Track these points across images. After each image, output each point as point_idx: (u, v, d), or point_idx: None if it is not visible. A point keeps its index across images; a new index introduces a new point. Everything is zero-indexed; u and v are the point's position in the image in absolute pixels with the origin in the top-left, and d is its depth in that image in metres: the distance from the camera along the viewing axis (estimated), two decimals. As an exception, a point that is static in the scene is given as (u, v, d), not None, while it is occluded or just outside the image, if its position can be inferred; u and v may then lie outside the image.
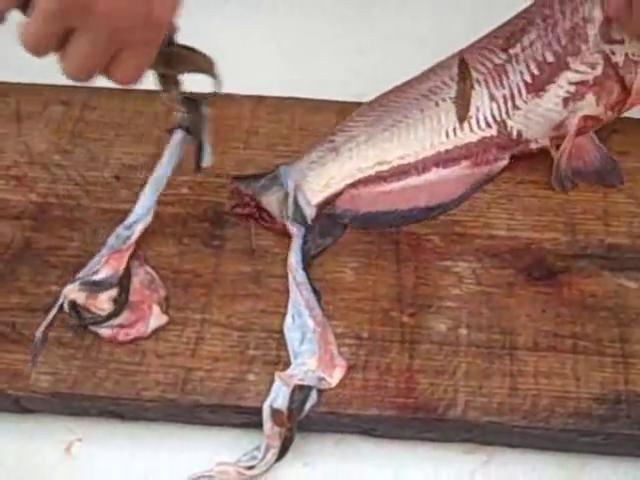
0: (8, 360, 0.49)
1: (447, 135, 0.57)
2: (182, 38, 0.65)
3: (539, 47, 0.58)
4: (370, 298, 0.52)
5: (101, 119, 0.62)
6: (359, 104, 0.61)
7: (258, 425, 0.47)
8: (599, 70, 0.57)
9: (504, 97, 0.58)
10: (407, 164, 0.57)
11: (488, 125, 0.58)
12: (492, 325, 0.51)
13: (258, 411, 0.47)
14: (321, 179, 0.56)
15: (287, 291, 0.52)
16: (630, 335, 0.51)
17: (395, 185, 0.57)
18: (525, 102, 0.58)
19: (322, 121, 0.61)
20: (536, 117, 0.58)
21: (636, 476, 0.47)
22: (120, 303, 0.50)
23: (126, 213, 0.54)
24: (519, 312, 0.52)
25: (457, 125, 0.58)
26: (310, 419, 0.47)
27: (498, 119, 0.58)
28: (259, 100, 0.63)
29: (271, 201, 0.55)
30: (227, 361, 0.49)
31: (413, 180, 0.57)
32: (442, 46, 0.61)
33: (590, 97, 0.58)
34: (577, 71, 0.57)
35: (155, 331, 0.50)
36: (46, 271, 0.53)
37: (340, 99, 0.63)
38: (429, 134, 0.57)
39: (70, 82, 0.63)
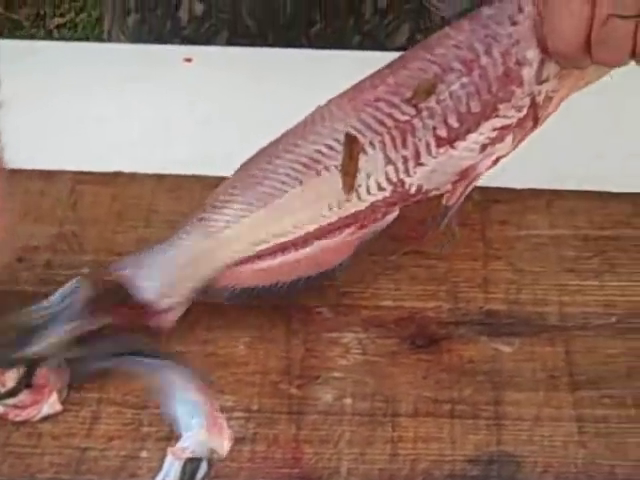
0: None
1: (330, 208, 0.53)
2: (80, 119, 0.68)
3: (462, 97, 0.53)
4: (260, 371, 0.55)
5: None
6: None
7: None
8: (524, 112, 0.54)
9: (404, 158, 0.53)
10: (286, 241, 0.54)
11: (381, 189, 0.54)
12: (375, 393, 0.54)
13: (150, 487, 0.49)
14: (195, 265, 0.53)
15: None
16: (503, 397, 0.54)
17: (273, 261, 0.54)
18: (434, 157, 0.53)
19: (220, 198, 0.65)
20: (444, 169, 0.54)
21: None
22: (22, 383, 0.52)
23: (27, 294, 0.56)
24: (402, 380, 0.55)
25: (342, 197, 0.53)
26: (200, 492, 0.49)
27: (394, 180, 0.54)
28: (159, 179, 0.66)
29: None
30: (121, 439, 0.51)
31: (293, 255, 0.54)
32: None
33: (509, 139, 0.55)
34: (505, 116, 0.54)
35: (52, 413, 0.52)
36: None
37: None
38: (310, 209, 0.53)
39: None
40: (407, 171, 0.53)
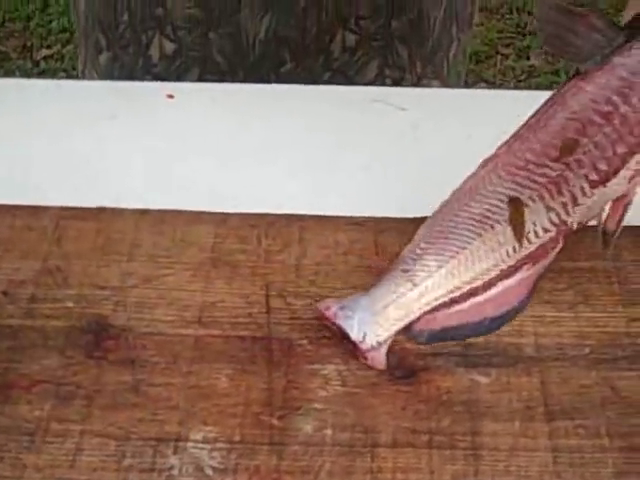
0: None
1: (508, 254, 0.59)
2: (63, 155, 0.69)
3: (607, 144, 0.57)
4: (242, 403, 0.56)
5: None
6: (240, 215, 0.66)
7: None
8: None
9: (563, 204, 0.59)
10: (476, 287, 0.59)
11: (546, 231, 0.59)
12: (355, 424, 0.55)
13: (133, 518, 0.50)
14: (400, 311, 0.58)
15: (166, 399, 0.56)
16: (481, 428, 0.55)
17: (464, 305, 0.59)
18: (589, 197, 0.58)
19: (202, 231, 0.66)
20: (599, 203, 0.59)
21: None
22: None
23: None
24: (381, 411, 0.56)
25: (516, 244, 0.59)
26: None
27: (557, 222, 0.59)
28: (142, 213, 0.67)
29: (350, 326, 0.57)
30: (104, 471, 0.52)
31: (480, 297, 0.59)
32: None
33: None
34: None
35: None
36: None
37: (220, 210, 0.67)
38: (491, 257, 0.59)
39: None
40: (567, 213, 0.59)
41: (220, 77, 0.85)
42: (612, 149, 0.57)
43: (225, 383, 0.57)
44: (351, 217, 0.67)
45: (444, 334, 0.59)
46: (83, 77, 0.92)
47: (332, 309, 0.58)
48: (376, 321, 0.58)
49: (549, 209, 0.58)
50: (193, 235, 0.66)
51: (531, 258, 0.60)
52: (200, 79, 0.85)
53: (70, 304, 0.61)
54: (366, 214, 0.67)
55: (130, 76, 0.87)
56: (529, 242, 0.59)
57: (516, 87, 2.28)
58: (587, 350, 0.60)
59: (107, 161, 0.72)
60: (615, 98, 0.57)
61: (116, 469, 0.52)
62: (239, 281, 0.63)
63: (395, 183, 0.70)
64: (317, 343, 0.59)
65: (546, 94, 0.60)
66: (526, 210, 0.58)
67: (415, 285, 0.58)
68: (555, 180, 0.58)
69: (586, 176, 0.58)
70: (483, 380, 0.58)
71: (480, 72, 2.33)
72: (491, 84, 2.28)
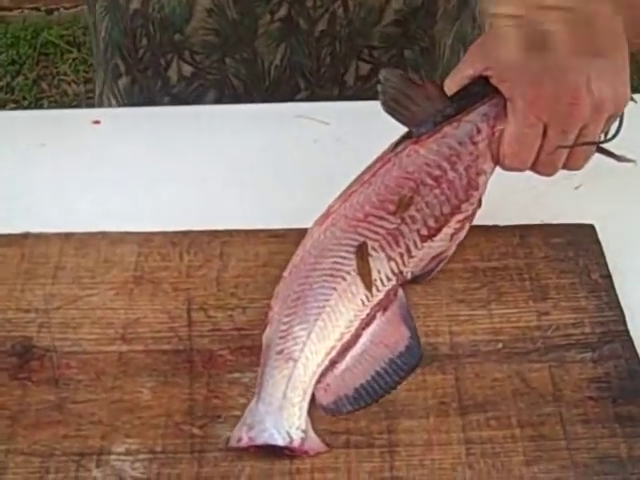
0: None
1: (363, 303, 0.62)
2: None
3: (436, 204, 0.64)
4: (164, 414, 0.57)
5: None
6: (165, 233, 0.68)
7: None
8: (475, 205, 0.66)
9: (400, 254, 0.64)
10: (347, 342, 0.61)
11: (389, 280, 0.64)
12: (275, 428, 0.57)
13: (56, 532, 0.51)
14: (297, 391, 0.58)
15: (90, 414, 0.57)
16: (396, 426, 0.57)
17: (344, 362, 0.60)
18: (419, 250, 0.64)
19: (126, 251, 0.67)
20: (427, 256, 0.65)
21: None
22: None
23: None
24: (300, 413, 0.58)
25: (367, 293, 0.62)
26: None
27: (396, 271, 0.64)
28: (67, 237, 0.68)
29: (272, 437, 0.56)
30: (28, 487, 0.53)
31: (357, 350, 0.61)
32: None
33: (467, 225, 0.66)
34: (466, 211, 0.65)
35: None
36: None
37: (146, 229, 0.69)
38: (350, 308, 0.62)
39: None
40: (404, 263, 0.64)
41: (236, 100, 0.87)
42: (440, 209, 0.64)
43: (148, 396, 0.58)
44: (271, 230, 0.69)
45: (352, 398, 0.59)
46: (100, 104, 0.93)
47: (243, 438, 0.55)
48: (287, 415, 0.56)
49: (389, 259, 0.64)
50: (117, 255, 0.67)
51: (381, 306, 0.63)
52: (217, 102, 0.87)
53: (-5, 329, 0.62)
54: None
55: (149, 99, 0.88)
56: (377, 290, 0.63)
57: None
58: (500, 345, 0.62)
59: (35, 187, 0.74)
60: (445, 164, 0.65)
61: (38, 483, 0.53)
62: (161, 297, 0.64)
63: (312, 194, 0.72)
64: (237, 353, 0.61)
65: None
66: (370, 259, 0.63)
67: (295, 360, 0.59)
68: (393, 232, 0.64)
69: (418, 231, 0.64)
70: (399, 379, 0.60)
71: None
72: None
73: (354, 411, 0.58)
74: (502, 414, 0.58)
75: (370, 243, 0.63)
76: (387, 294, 0.63)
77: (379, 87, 0.64)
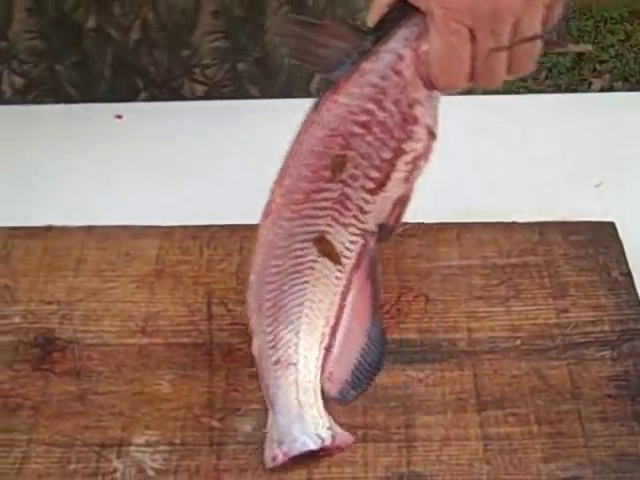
0: None
1: (338, 278, 0.60)
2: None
3: (373, 152, 0.57)
4: (183, 407, 0.58)
5: None
6: (186, 227, 0.69)
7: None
8: (426, 142, 0.58)
9: (355, 216, 0.59)
10: (333, 322, 0.60)
11: (354, 243, 0.60)
12: (291, 421, 0.57)
13: (77, 521, 0.52)
14: (309, 392, 0.57)
15: (110, 406, 0.58)
16: (414, 421, 0.57)
17: (339, 344, 0.60)
18: (373, 204, 0.59)
19: (147, 245, 0.68)
20: (384, 204, 0.59)
21: None
22: None
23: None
24: (318, 407, 0.58)
25: (339, 266, 0.60)
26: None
27: (357, 232, 0.60)
28: (89, 230, 0.69)
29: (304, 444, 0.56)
30: (50, 477, 0.54)
31: (344, 328, 0.60)
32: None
33: (422, 163, 0.59)
34: (413, 150, 0.58)
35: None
36: None
37: (167, 224, 0.69)
38: (328, 290, 0.60)
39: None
40: (361, 222, 0.60)
41: None
42: (378, 156, 0.57)
43: (167, 388, 0.59)
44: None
45: (355, 378, 0.59)
46: None
47: (278, 455, 0.55)
48: (308, 419, 0.56)
49: (346, 225, 0.59)
50: (138, 249, 0.68)
51: (356, 267, 0.60)
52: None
53: (18, 320, 0.63)
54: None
55: None
56: (347, 258, 0.60)
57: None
58: (518, 342, 0.62)
59: (57, 179, 0.75)
60: (370, 106, 0.56)
61: (61, 475, 0.54)
62: (181, 291, 0.65)
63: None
64: (257, 347, 0.61)
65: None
66: (329, 237, 0.59)
67: (295, 364, 0.58)
68: (339, 199, 0.58)
69: (363, 187, 0.58)
70: (418, 375, 0.60)
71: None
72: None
73: (358, 396, 0.58)
74: (520, 411, 0.58)
75: (321, 222, 0.59)
76: (358, 254, 0.60)
77: (276, 41, 0.59)
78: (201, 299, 0.64)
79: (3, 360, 0.60)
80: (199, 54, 0.84)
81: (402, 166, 0.58)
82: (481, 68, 0.56)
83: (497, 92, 0.69)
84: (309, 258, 0.60)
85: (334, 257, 0.60)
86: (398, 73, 0.56)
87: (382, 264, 0.66)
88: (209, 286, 0.65)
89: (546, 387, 0.59)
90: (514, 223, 0.70)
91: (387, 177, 0.58)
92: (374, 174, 0.58)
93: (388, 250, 0.68)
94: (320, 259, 0.59)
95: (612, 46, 2.37)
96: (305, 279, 0.60)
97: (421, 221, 0.69)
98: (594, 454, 0.56)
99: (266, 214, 0.59)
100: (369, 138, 0.57)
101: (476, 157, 0.76)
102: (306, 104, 0.82)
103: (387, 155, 0.58)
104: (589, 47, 0.62)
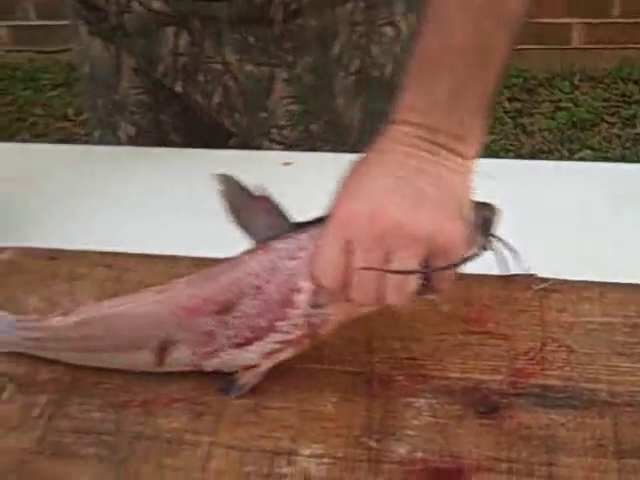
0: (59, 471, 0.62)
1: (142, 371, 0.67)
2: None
3: (252, 315, 0.65)
4: (345, 426, 0.65)
5: (136, 279, 0.76)
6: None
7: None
8: (302, 331, 0.65)
9: (206, 353, 0.66)
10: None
11: (185, 364, 0.67)
12: (443, 450, 0.63)
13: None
14: None
15: (280, 419, 0.65)
16: (557, 460, 0.62)
17: None
18: (228, 354, 0.66)
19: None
20: (233, 362, 0.66)
21: None
22: None
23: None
24: (466, 440, 0.64)
25: (153, 366, 0.67)
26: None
27: (196, 363, 0.67)
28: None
29: None
30: (229, 475, 0.61)
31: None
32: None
33: (289, 350, 0.66)
34: (285, 332, 0.65)
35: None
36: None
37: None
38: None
39: (111, 248, 0.79)
40: (205, 359, 0.66)
41: None
42: (256, 320, 0.65)
43: (331, 409, 0.66)
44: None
45: None
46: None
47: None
48: None
49: (193, 353, 0.66)
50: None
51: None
52: None
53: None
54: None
55: None
56: (169, 366, 0.67)
57: (622, 155, 2.32)
58: (658, 398, 0.66)
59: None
60: (264, 275, 0.65)
61: (238, 474, 0.61)
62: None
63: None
64: (412, 380, 0.68)
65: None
66: (173, 347, 0.66)
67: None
68: (206, 333, 0.65)
69: (229, 338, 0.65)
70: (561, 419, 0.65)
71: (585, 139, 2.38)
72: (596, 150, 2.33)
73: None
74: (657, 461, 0.62)
75: (180, 334, 0.66)
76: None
77: (220, 193, 0.65)
78: (360, 334, 0.71)
79: (192, 371, 0.69)
80: (275, 116, 0.93)
81: (270, 341, 0.65)
82: (355, 282, 0.62)
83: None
84: (148, 344, 0.66)
85: (159, 359, 0.66)
86: (293, 259, 0.65)
87: (527, 315, 0.72)
88: (370, 324, 0.72)
89: (683, 441, 0.63)
90: (651, 285, 0.75)
91: (254, 341, 0.65)
92: (247, 332, 0.65)
93: (534, 302, 0.73)
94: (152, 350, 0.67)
95: None
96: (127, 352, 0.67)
97: (565, 278, 0.75)
98: None
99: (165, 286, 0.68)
100: (255, 302, 0.65)
101: (618, 222, 0.82)
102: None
103: (262, 323, 0.65)
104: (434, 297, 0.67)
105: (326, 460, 0.62)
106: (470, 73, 0.63)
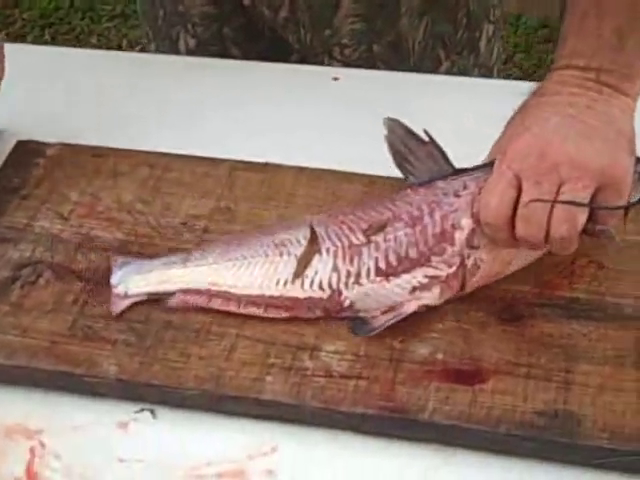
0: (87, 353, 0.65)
1: (277, 283, 0.65)
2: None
3: (404, 243, 0.65)
4: (369, 326, 0.66)
5: (176, 179, 0.78)
6: (386, 178, 0.76)
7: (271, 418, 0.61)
8: (453, 269, 0.65)
9: (348, 272, 0.65)
10: (233, 294, 0.66)
11: (321, 288, 0.65)
12: (464, 353, 0.64)
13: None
14: (162, 277, 0.67)
15: (300, 323, 0.66)
16: (575, 368, 0.63)
17: (219, 304, 0.66)
18: (370, 282, 0.65)
19: (351, 189, 0.77)
20: (376, 296, 0.65)
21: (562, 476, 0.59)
22: None
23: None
24: (487, 344, 0.65)
25: (290, 278, 0.65)
26: (308, 413, 0.61)
27: (334, 287, 0.65)
28: (300, 170, 0.78)
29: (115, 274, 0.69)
30: (252, 366, 0.63)
31: (233, 307, 0.66)
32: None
33: (436, 290, 0.65)
34: (436, 268, 0.65)
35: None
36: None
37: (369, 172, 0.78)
38: (262, 276, 0.66)
39: (155, 148, 0.80)
40: (346, 284, 0.65)
41: None
42: (406, 250, 0.65)
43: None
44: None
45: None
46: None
47: (117, 260, 0.69)
48: (135, 277, 0.67)
49: (335, 269, 0.65)
50: (343, 191, 0.76)
51: (293, 305, 0.65)
52: None
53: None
54: None
55: None
56: (302, 287, 0.64)
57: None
58: (684, 315, 0.66)
59: (275, 127, 0.85)
60: (424, 207, 0.66)
61: (262, 364, 0.63)
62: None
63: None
64: (438, 286, 0.69)
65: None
66: (317, 257, 0.65)
67: (185, 265, 0.67)
68: (353, 247, 0.65)
69: (376, 260, 0.64)
70: (583, 330, 0.66)
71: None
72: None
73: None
74: (676, 374, 0.62)
75: (328, 244, 0.66)
76: (308, 304, 0.65)
77: (386, 137, 0.68)
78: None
79: (220, 268, 0.71)
80: (339, 34, 0.93)
81: (419, 275, 0.65)
82: (520, 214, 0.63)
83: None
84: (290, 249, 0.67)
85: (299, 268, 0.65)
86: (457, 196, 0.66)
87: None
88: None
89: None
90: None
91: (400, 272, 0.65)
92: (392, 260, 0.65)
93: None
94: (292, 257, 0.66)
95: None
96: (269, 253, 0.67)
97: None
98: None
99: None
100: (408, 230, 0.66)
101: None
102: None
103: (413, 254, 0.65)
104: (612, 236, 0.66)
105: (348, 357, 0.64)
106: (633, 15, 0.65)
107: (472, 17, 0.95)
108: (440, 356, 0.64)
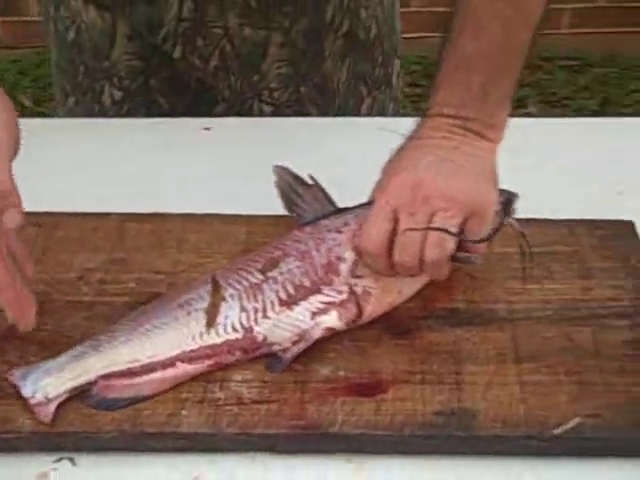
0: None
1: (193, 338, 0.69)
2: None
3: (297, 274, 0.72)
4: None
5: (66, 235, 0.80)
6: (268, 216, 0.81)
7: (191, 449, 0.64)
8: (345, 296, 0.71)
9: (255, 309, 0.70)
10: (156, 362, 0.68)
11: (235, 330, 0.69)
12: (363, 368, 0.69)
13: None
14: (76, 371, 0.66)
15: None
16: (463, 369, 0.69)
17: (143, 378, 0.67)
18: (276, 313, 0.70)
19: (235, 230, 0.81)
20: (284, 325, 0.70)
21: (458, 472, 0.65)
22: None
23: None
24: (383, 358, 0.70)
25: (204, 330, 0.69)
26: (226, 440, 0.64)
27: (246, 326, 0.69)
28: (187, 216, 0.82)
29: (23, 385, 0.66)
30: (166, 402, 0.66)
31: (159, 374, 0.67)
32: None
33: (334, 314, 0.71)
34: (328, 295, 0.71)
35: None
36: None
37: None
38: (178, 337, 0.69)
39: (41, 208, 0.82)
40: (256, 320, 0.70)
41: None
42: (300, 280, 0.71)
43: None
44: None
45: (114, 403, 0.66)
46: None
47: (15, 373, 0.66)
48: (48, 380, 0.65)
49: (242, 309, 0.70)
50: (228, 232, 0.81)
51: (214, 352, 0.68)
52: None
53: (132, 285, 0.76)
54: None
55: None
56: (217, 334, 0.69)
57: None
58: (550, 312, 0.74)
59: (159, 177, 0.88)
60: (311, 243, 0.73)
61: (175, 400, 0.66)
62: (267, 265, 0.77)
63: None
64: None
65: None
66: (223, 303, 0.70)
67: (98, 351, 0.67)
68: (254, 286, 0.71)
69: (277, 292, 0.71)
70: (466, 335, 0.72)
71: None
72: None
73: (97, 408, 0.66)
74: (551, 364, 0.69)
75: (230, 291, 0.71)
76: (226, 346, 0.68)
77: (275, 183, 0.76)
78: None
79: (119, 315, 0.73)
80: (267, 79, 0.99)
81: (315, 302, 0.71)
82: (397, 242, 0.70)
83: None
84: (196, 306, 0.70)
85: (210, 319, 0.69)
86: (339, 232, 0.74)
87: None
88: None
89: (573, 347, 0.71)
90: (547, 219, 0.82)
91: (299, 300, 0.71)
92: (291, 290, 0.71)
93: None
94: (200, 312, 0.70)
95: (636, 91, 2.53)
96: (177, 315, 0.70)
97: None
98: (612, 398, 0.67)
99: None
100: (299, 263, 0.72)
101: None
102: (358, 122, 0.97)
103: (306, 283, 0.71)
104: (477, 262, 0.75)
105: (256, 384, 0.68)
106: (499, 71, 0.73)
107: (385, 55, 1.04)
108: (342, 373, 0.69)
